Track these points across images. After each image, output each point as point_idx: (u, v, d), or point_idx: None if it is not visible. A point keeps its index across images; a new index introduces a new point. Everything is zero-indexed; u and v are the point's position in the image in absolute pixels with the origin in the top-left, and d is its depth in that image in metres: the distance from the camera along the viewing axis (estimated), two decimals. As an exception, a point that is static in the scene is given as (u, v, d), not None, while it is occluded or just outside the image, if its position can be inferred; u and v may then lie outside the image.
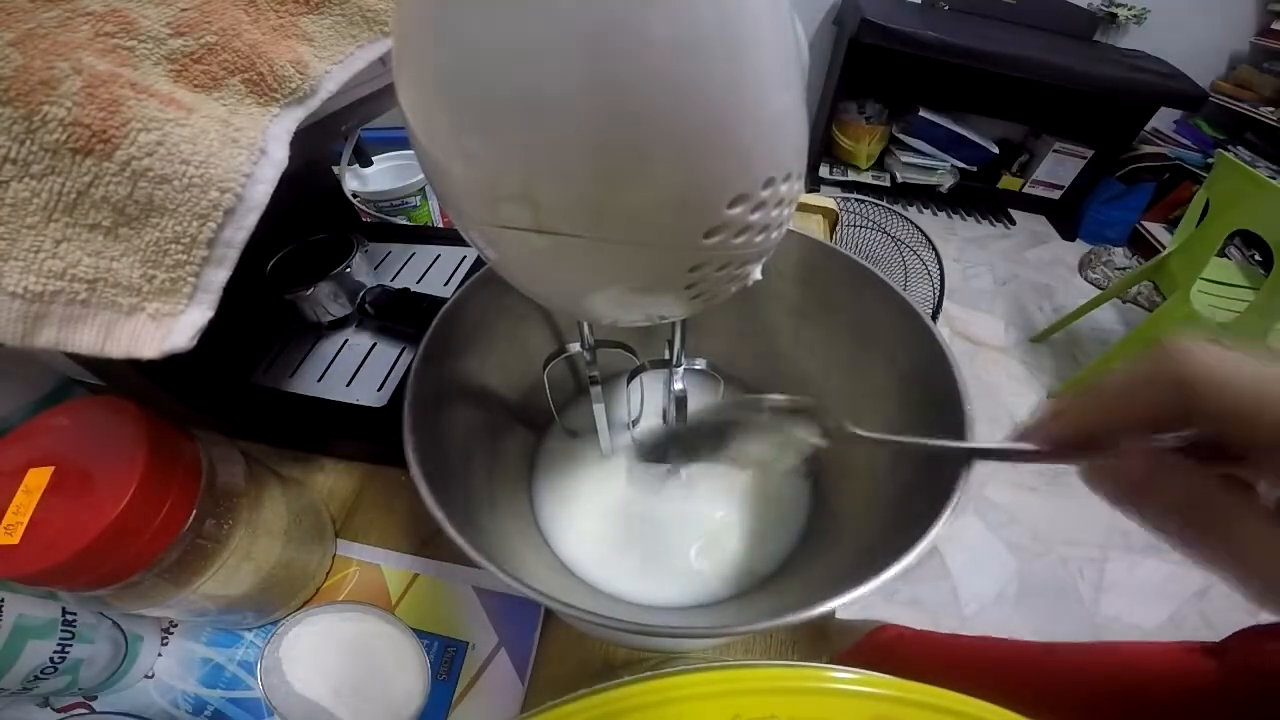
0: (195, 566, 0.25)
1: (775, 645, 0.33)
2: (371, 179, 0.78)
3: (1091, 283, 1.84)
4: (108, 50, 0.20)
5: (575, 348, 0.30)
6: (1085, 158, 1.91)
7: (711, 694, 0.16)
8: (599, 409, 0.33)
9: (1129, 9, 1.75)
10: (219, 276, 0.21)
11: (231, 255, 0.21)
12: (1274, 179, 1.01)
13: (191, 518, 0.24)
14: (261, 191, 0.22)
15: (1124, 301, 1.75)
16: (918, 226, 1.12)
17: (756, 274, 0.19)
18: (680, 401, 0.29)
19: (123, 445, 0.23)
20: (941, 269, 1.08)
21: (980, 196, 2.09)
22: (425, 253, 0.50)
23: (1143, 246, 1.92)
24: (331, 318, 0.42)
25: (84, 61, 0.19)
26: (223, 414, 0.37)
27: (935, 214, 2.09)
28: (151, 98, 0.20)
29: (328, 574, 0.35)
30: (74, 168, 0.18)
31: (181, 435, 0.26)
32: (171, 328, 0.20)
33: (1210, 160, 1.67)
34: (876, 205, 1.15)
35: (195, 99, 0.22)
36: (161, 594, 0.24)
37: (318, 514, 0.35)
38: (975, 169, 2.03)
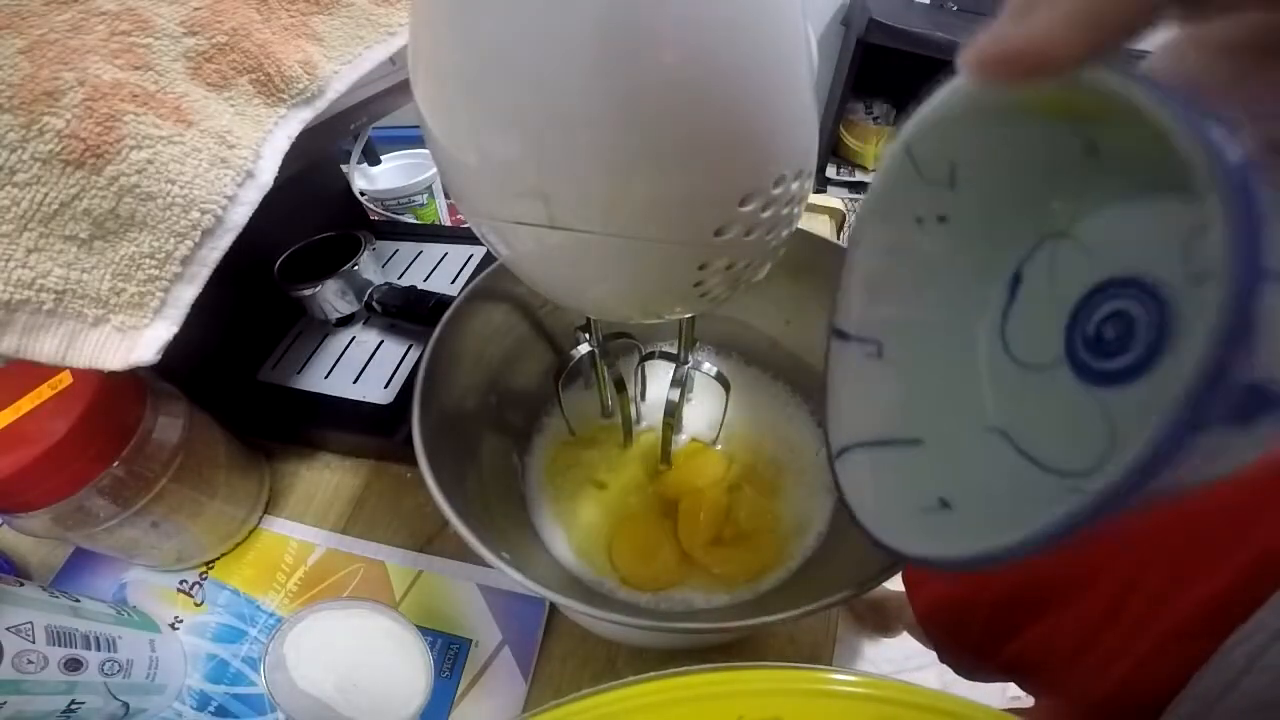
0: (119, 504, 0.29)
1: (780, 646, 0.33)
2: (379, 177, 0.78)
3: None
4: (123, 49, 0.21)
5: (584, 349, 0.30)
6: (1094, 160, 1.90)
7: (716, 694, 0.16)
8: (623, 399, 0.33)
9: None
10: (188, 293, 0.21)
11: (203, 274, 0.22)
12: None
13: (111, 467, 0.28)
14: (241, 214, 0.22)
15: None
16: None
17: (762, 273, 0.19)
18: (678, 403, 0.29)
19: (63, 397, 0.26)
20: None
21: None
22: (432, 250, 0.50)
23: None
24: (339, 315, 0.43)
25: (89, 71, 0.19)
26: (229, 410, 0.38)
27: (942, 216, 2.08)
28: (150, 111, 0.20)
29: (243, 540, 0.37)
30: (62, 179, 0.18)
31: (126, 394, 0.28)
32: (137, 341, 0.20)
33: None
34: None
35: (204, 102, 0.22)
36: (85, 526, 0.29)
37: (254, 485, 0.38)
38: (983, 171, 2.01)
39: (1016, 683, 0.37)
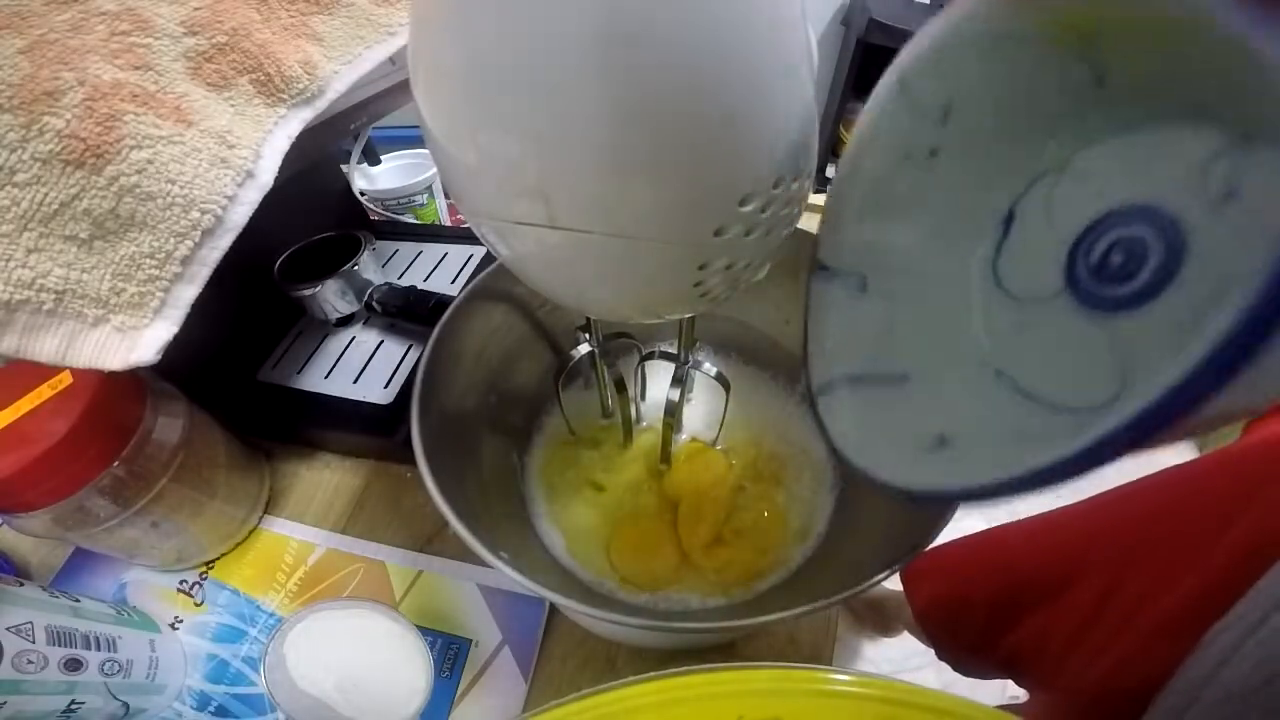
0: (119, 505, 0.29)
1: (780, 646, 0.33)
2: (380, 177, 0.78)
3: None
4: (123, 49, 0.21)
5: (584, 349, 0.30)
6: (1094, 160, 1.90)
7: (716, 694, 0.16)
8: (623, 399, 0.33)
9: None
10: (188, 293, 0.21)
11: (203, 274, 0.22)
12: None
13: (111, 467, 0.28)
14: (241, 213, 0.22)
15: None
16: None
17: (762, 273, 0.19)
18: (678, 403, 0.29)
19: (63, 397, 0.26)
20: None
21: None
22: (432, 250, 0.50)
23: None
24: (339, 315, 0.43)
25: (89, 71, 0.19)
26: (229, 410, 0.38)
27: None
28: (150, 111, 0.20)
29: (243, 540, 0.38)
30: (62, 179, 0.18)
31: (126, 394, 0.29)
32: (137, 341, 0.20)
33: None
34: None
35: (204, 102, 0.22)
36: (85, 526, 0.29)
37: (253, 484, 0.38)
38: (983, 171, 2.01)
39: (1012, 678, 0.37)
